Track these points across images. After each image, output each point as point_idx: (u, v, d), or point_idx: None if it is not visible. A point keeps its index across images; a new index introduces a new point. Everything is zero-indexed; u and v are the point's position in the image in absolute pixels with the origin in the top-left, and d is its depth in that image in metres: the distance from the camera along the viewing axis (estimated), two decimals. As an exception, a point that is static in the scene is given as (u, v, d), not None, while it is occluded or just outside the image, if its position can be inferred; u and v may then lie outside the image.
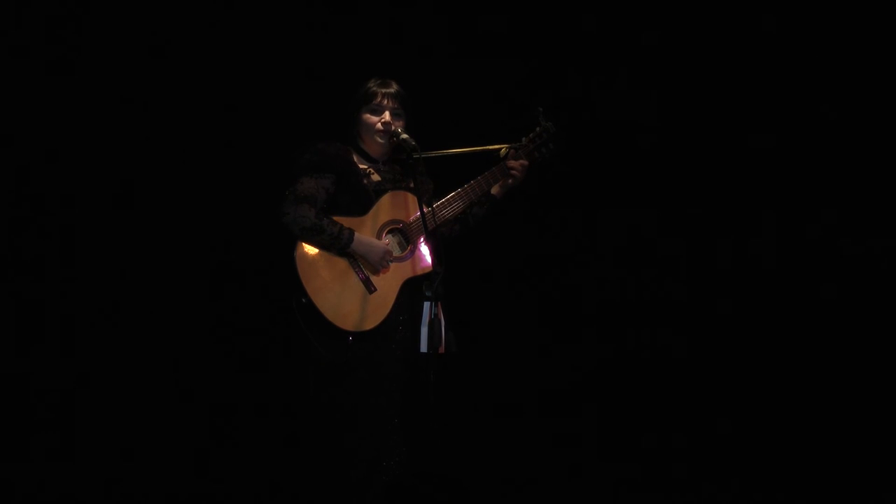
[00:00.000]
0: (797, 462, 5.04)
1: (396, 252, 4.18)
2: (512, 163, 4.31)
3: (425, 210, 4.03)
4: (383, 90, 4.20)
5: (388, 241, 4.16)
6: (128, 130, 4.77)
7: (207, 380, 4.86)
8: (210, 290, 4.87)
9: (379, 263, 4.10)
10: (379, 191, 4.19)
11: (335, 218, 4.09)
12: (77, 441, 4.69)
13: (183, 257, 4.84)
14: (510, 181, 4.32)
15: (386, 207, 4.17)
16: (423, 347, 3.87)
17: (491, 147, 4.32)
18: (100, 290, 4.73)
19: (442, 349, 3.87)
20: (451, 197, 4.23)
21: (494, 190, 4.32)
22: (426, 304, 3.87)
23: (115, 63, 4.72)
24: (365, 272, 4.11)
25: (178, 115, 4.80)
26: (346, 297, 4.07)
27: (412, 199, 4.17)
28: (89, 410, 4.70)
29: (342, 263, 4.10)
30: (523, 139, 4.36)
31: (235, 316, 4.90)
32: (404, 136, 4.09)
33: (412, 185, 4.14)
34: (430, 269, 4.12)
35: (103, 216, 4.76)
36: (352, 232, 4.07)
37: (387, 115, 4.18)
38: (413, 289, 4.16)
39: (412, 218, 4.19)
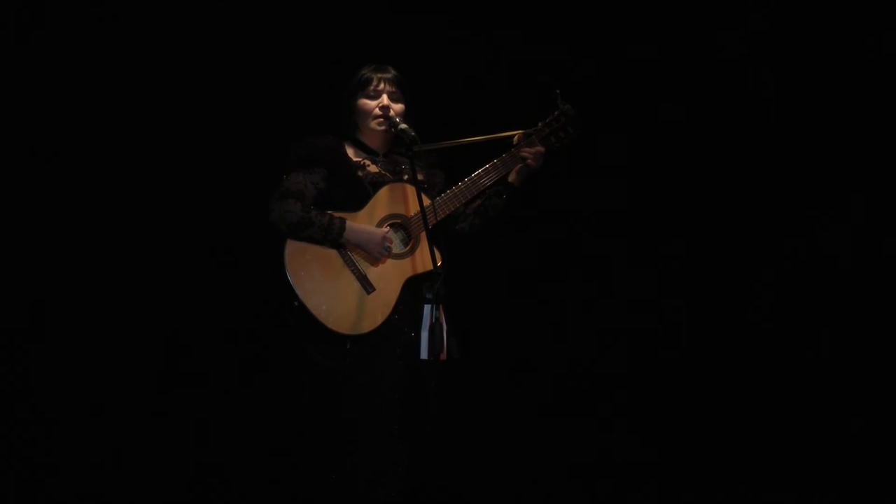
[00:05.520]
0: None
1: (398, 248, 3.96)
2: (526, 150, 4.06)
3: (427, 203, 3.82)
4: (379, 74, 3.99)
5: (388, 233, 3.94)
6: (115, 128, 4.68)
7: (196, 389, 4.76)
8: (198, 297, 4.75)
9: (378, 252, 3.88)
10: (377, 183, 3.98)
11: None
12: (65, 447, 4.65)
13: (171, 262, 4.73)
14: (525, 168, 4.07)
15: (383, 201, 3.95)
16: (424, 354, 3.68)
17: (502, 135, 4.10)
18: (85, 292, 4.67)
19: (444, 355, 3.69)
20: (452, 190, 4.00)
21: (511, 177, 4.09)
22: (427, 308, 3.68)
23: (104, 58, 4.66)
24: (362, 270, 3.89)
25: (166, 111, 4.71)
26: (341, 298, 3.85)
27: (413, 192, 3.93)
28: (77, 417, 4.65)
29: (337, 262, 3.89)
30: (539, 123, 4.10)
31: (225, 322, 4.78)
32: (403, 126, 3.89)
33: (416, 177, 3.91)
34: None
35: (90, 216, 4.68)
36: (343, 220, 3.85)
37: (384, 99, 3.97)
38: (416, 288, 3.92)
39: (413, 212, 3.95)
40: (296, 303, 3.81)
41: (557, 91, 4.09)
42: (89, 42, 4.61)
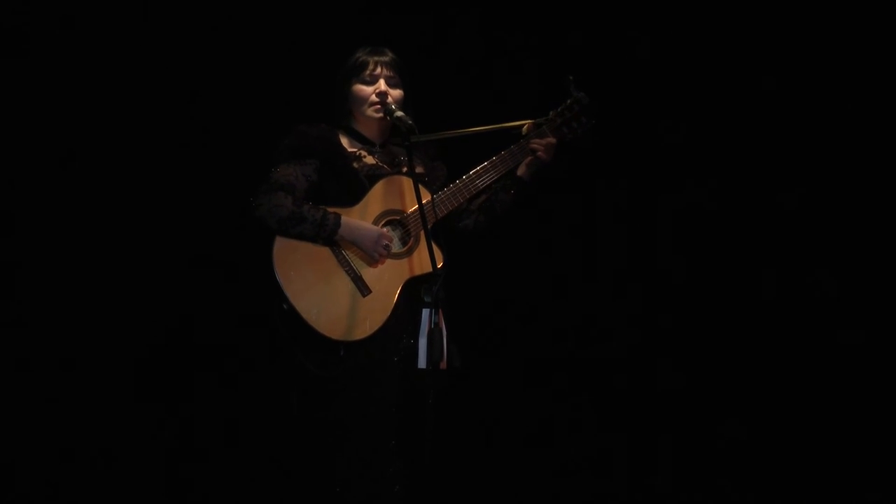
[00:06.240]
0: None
1: (396, 248, 3.76)
2: (536, 141, 3.89)
3: (426, 199, 3.63)
4: (376, 57, 3.81)
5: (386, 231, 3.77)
6: (94, 123, 4.54)
7: (179, 398, 4.63)
8: (181, 298, 4.60)
9: (373, 250, 3.68)
10: (373, 176, 3.79)
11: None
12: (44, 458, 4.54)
13: (152, 265, 4.60)
14: (536, 161, 3.90)
15: (378, 196, 3.76)
16: (422, 362, 3.50)
17: (511, 125, 3.94)
18: (62, 294, 4.55)
19: (444, 364, 3.53)
20: (455, 184, 3.81)
21: (520, 171, 3.92)
22: (425, 312, 3.51)
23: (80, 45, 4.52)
24: (357, 270, 3.69)
25: (146, 102, 4.56)
26: (334, 300, 3.66)
27: (411, 187, 3.71)
28: (54, 425, 4.53)
29: (329, 261, 3.69)
30: (550, 113, 3.94)
31: (209, 327, 4.63)
32: (399, 113, 3.72)
33: (416, 170, 3.72)
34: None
35: (68, 212, 4.55)
36: (338, 216, 3.65)
37: (382, 84, 3.78)
38: (416, 291, 3.71)
39: (412, 209, 3.75)
40: (285, 306, 3.62)
41: (571, 78, 3.93)
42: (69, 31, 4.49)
